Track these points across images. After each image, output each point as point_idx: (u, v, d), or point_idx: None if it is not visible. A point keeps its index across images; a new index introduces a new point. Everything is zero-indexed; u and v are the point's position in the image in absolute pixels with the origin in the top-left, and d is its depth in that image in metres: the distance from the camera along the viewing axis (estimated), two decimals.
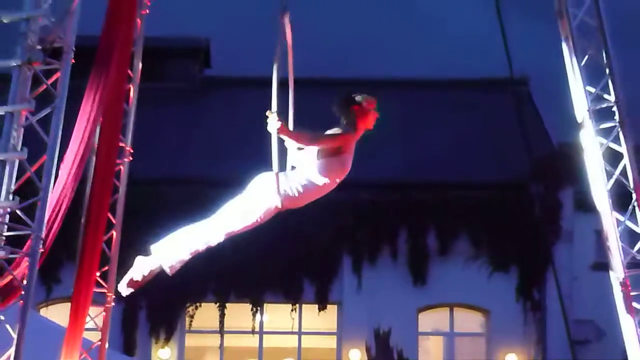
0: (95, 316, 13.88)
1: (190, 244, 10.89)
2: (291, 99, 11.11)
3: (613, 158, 13.59)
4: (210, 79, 38.45)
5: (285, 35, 10.94)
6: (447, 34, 77.92)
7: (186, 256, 10.99)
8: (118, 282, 14.05)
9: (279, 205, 10.79)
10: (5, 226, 10.94)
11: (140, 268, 10.95)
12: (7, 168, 11.08)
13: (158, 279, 31.51)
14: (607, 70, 13.61)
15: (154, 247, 10.94)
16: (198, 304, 32.21)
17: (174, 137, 31.68)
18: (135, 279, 10.93)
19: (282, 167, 10.94)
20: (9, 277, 10.88)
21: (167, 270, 11.00)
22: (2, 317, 10.84)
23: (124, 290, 11.01)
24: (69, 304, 13.12)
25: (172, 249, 10.90)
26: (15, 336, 10.71)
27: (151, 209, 27.33)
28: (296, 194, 10.85)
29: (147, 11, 13.65)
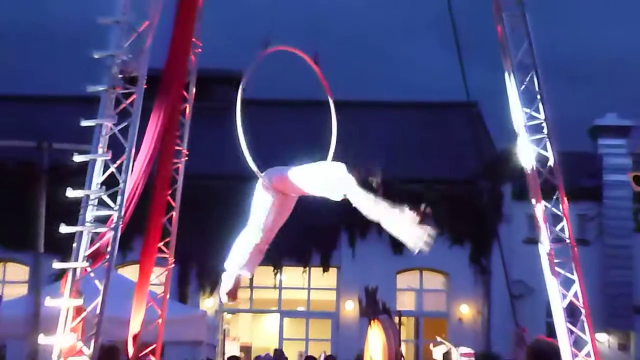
0: (159, 275, 13.93)
1: (245, 251, 10.93)
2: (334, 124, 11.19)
3: (542, 161, 13.67)
4: (245, 100, 38.43)
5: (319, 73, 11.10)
6: (417, 68, 77.89)
7: (248, 259, 11.05)
8: (177, 249, 14.18)
9: (273, 192, 10.78)
10: (95, 208, 11.01)
11: (227, 281, 11.06)
12: (97, 165, 11.15)
13: (203, 245, 31.61)
14: (538, 96, 13.69)
15: (226, 265, 11.06)
16: None
17: (217, 143, 31.71)
18: (230, 290, 11.04)
19: None
20: (97, 245, 10.95)
21: (247, 275, 11.11)
22: (92, 274, 10.89)
23: (226, 299, 11.14)
24: (138, 266, 13.19)
25: (237, 261, 10.96)
26: (101, 288, 10.78)
27: (200, 196, 27.53)
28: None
29: (200, 50, 13.70)
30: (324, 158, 11.04)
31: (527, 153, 13.71)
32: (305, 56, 11.51)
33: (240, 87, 11.10)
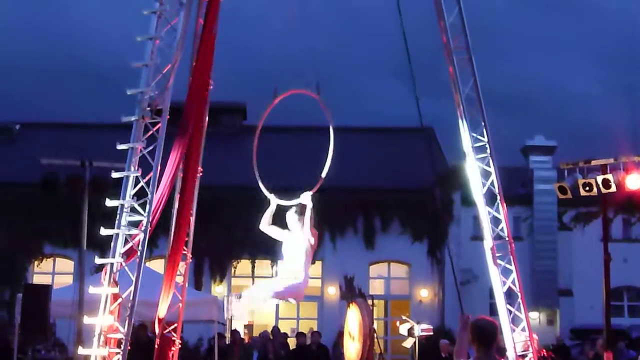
0: (180, 267, 13.90)
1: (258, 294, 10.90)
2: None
3: (485, 175, 13.67)
4: (247, 126, 38.43)
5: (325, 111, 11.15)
6: (378, 99, 78.02)
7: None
8: (193, 246, 14.12)
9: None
10: (129, 214, 10.98)
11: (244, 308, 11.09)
12: (130, 180, 11.12)
13: (214, 243, 31.45)
14: (483, 123, 13.69)
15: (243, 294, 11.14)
16: (239, 260, 32.27)
17: (226, 162, 31.69)
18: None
19: None
20: (130, 244, 10.92)
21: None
22: (127, 267, 10.85)
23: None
24: (162, 261, 13.13)
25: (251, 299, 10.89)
26: (133, 278, 10.74)
27: (212, 204, 27.45)
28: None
29: (211, 87, 13.67)
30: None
31: (473, 168, 13.71)
32: (310, 93, 11.51)
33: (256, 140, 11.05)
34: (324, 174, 11.12)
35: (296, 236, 10.84)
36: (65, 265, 32.03)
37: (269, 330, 25.23)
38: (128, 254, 10.94)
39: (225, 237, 30.90)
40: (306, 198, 10.78)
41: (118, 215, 11.10)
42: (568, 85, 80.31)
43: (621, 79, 77.52)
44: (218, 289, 31.86)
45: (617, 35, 74.99)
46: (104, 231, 11.05)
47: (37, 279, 30.97)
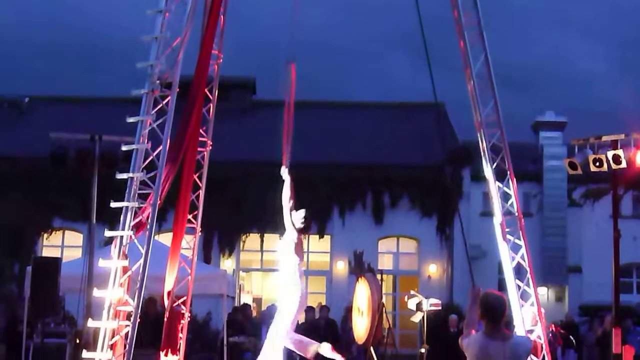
0: (189, 241, 13.94)
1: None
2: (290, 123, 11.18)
3: (496, 150, 13.66)
4: (256, 101, 38.42)
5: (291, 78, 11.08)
6: (392, 75, 77.88)
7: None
8: (203, 220, 14.14)
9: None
10: (138, 187, 11.01)
11: None
12: (139, 153, 11.15)
13: (223, 218, 31.70)
14: (493, 99, 13.65)
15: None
16: (248, 234, 32.33)
17: (235, 135, 31.72)
18: None
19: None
20: (140, 217, 10.96)
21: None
22: (136, 241, 10.90)
23: None
24: (171, 234, 13.13)
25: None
26: (143, 251, 10.78)
27: (221, 178, 27.47)
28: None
29: (221, 60, 13.66)
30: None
31: (484, 145, 13.70)
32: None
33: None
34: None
35: (286, 258, 10.96)
36: (75, 238, 32.13)
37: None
38: (137, 227, 10.98)
39: (234, 211, 30.94)
40: (284, 173, 10.85)
41: (127, 189, 11.13)
42: (580, 62, 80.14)
43: (634, 56, 77.28)
44: (227, 263, 31.96)
45: (629, 13, 74.69)
46: (113, 204, 11.08)
47: (47, 252, 31.07)
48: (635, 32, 77.33)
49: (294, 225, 10.73)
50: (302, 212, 10.80)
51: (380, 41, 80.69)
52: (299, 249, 10.74)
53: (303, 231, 10.79)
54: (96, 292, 11.19)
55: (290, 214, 10.77)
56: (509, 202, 13.71)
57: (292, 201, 10.80)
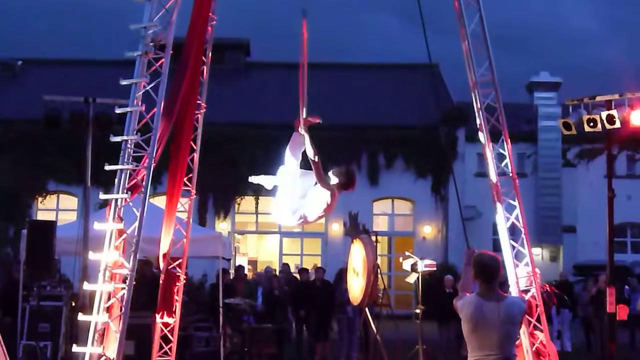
0: (184, 204, 13.92)
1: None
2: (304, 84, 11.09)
3: (490, 110, 13.62)
4: (250, 62, 38.30)
5: (303, 33, 10.97)
6: (387, 37, 77.54)
7: None
8: (198, 183, 14.13)
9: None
10: (132, 150, 10.98)
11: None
12: (133, 116, 11.12)
13: (218, 180, 31.83)
14: (488, 59, 13.59)
15: None
16: (243, 196, 32.38)
17: (229, 97, 31.65)
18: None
19: None
20: (135, 180, 10.94)
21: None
22: (131, 203, 10.88)
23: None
24: (166, 196, 13.10)
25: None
26: (138, 214, 10.77)
27: (216, 140, 27.47)
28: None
29: (214, 22, 13.57)
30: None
31: (478, 105, 13.66)
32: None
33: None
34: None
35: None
36: (69, 201, 32.20)
37: (272, 266, 25.38)
38: (132, 190, 10.93)
39: (229, 173, 30.96)
40: (302, 130, 10.79)
41: (122, 151, 11.11)
42: (574, 22, 79.93)
43: (628, 16, 77.01)
44: (222, 226, 32.03)
45: None
46: (108, 167, 11.07)
47: (41, 216, 31.16)
48: None
49: (330, 182, 10.67)
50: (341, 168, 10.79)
51: (369, 2, 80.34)
52: (328, 209, 10.69)
53: (343, 187, 10.73)
54: (91, 255, 11.19)
55: (324, 172, 10.71)
56: (504, 163, 13.68)
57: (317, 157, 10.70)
